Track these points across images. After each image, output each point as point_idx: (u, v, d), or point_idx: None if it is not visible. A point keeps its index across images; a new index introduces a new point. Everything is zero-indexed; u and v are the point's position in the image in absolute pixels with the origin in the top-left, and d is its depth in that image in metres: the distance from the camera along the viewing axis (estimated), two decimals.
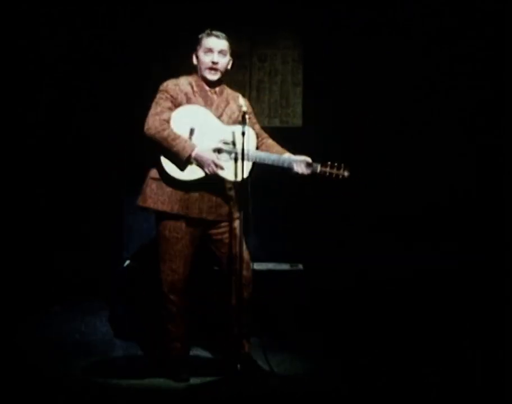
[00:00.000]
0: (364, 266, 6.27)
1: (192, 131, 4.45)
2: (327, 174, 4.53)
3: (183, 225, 4.49)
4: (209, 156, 4.40)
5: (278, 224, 5.68)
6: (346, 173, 4.55)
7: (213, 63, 4.50)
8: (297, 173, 4.51)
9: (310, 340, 5.36)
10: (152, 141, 4.39)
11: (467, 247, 6.25)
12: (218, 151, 4.47)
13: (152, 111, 4.43)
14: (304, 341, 5.34)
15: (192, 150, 4.37)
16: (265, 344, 4.69)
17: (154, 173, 4.50)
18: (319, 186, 6.17)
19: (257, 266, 5.15)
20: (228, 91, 4.65)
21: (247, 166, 4.47)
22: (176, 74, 4.67)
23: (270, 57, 6.53)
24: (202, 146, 4.42)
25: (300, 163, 4.51)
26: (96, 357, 4.98)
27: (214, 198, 4.52)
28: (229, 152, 4.47)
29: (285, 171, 4.52)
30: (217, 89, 4.59)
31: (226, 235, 4.57)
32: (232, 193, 4.60)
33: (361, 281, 6.18)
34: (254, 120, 4.72)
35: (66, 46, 6.31)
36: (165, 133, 4.37)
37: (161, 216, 4.50)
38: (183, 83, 4.53)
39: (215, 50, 4.51)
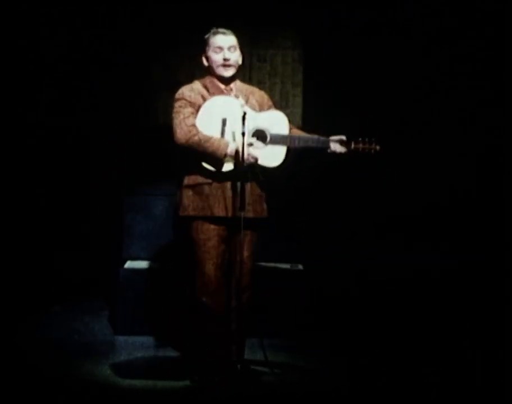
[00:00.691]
0: (364, 266, 6.28)
1: (224, 121, 4.42)
2: (360, 149, 4.61)
3: (212, 227, 4.45)
4: (245, 149, 4.35)
5: (278, 224, 5.67)
6: (377, 147, 4.64)
7: (225, 59, 4.47)
8: (334, 152, 4.58)
9: (310, 340, 5.36)
10: (186, 149, 4.36)
11: (468, 247, 6.25)
12: (253, 140, 4.45)
13: (176, 120, 4.39)
14: (303, 341, 5.34)
15: (227, 146, 4.35)
16: (265, 344, 4.69)
17: (186, 180, 4.47)
18: (320, 186, 6.22)
19: (257, 266, 5.15)
20: (243, 86, 4.62)
21: (283, 150, 4.47)
22: (176, 75, 4.67)
23: (270, 57, 6.54)
24: (236, 138, 4.39)
25: (335, 142, 4.57)
26: (96, 357, 4.98)
27: (249, 195, 4.48)
28: (263, 138, 4.46)
29: (320, 151, 4.57)
30: (232, 85, 4.56)
31: (244, 238, 4.46)
32: (264, 189, 4.58)
33: (361, 281, 6.19)
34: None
35: (66, 46, 6.31)
36: (196, 138, 4.35)
37: (190, 219, 4.46)
38: (197, 88, 4.50)
39: (224, 47, 4.47)
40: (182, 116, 4.39)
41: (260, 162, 4.44)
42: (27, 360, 4.86)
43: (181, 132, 4.35)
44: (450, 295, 6.01)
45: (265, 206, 4.59)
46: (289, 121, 4.58)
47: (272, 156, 4.46)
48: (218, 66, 4.49)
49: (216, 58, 4.48)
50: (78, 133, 6.43)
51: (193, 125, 4.39)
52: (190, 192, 4.46)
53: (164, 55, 6.44)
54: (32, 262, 6.26)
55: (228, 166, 4.40)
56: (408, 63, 6.34)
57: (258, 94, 4.60)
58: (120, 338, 5.39)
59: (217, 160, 4.37)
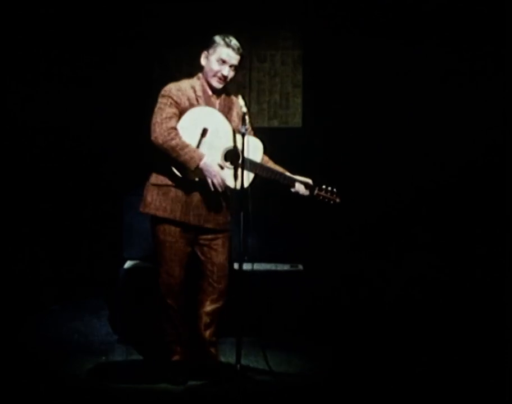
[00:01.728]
0: (364, 266, 6.28)
1: (204, 132, 4.42)
2: (321, 198, 4.64)
3: (178, 229, 4.47)
4: (216, 168, 4.38)
5: (278, 224, 5.67)
6: (338, 200, 4.67)
7: (223, 75, 4.45)
8: (297, 192, 4.60)
9: (309, 340, 5.36)
10: (160, 150, 4.36)
11: (467, 250, 6.27)
12: (225, 158, 4.46)
13: (157, 118, 4.38)
14: (303, 341, 5.34)
15: (201, 159, 4.35)
16: (264, 344, 4.69)
17: (154, 179, 4.48)
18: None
19: (257, 266, 5.16)
20: (229, 96, 4.60)
21: (249, 176, 4.48)
22: (176, 75, 4.66)
23: (270, 58, 6.54)
24: (211, 153, 4.40)
25: (300, 183, 4.59)
26: (96, 357, 4.98)
27: (213, 206, 4.50)
28: (234, 161, 4.45)
29: (284, 187, 4.60)
30: (220, 94, 4.55)
31: (215, 241, 4.55)
32: (229, 201, 4.59)
33: (361, 282, 6.19)
34: (250, 130, 4.60)
35: (65, 45, 6.31)
36: (174, 142, 4.34)
37: (157, 220, 4.49)
38: (185, 88, 4.47)
39: (228, 64, 4.44)
40: (164, 115, 4.37)
41: (227, 183, 4.43)
42: (27, 359, 4.86)
43: (160, 132, 4.34)
44: (450, 295, 6.02)
45: (228, 218, 4.60)
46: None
47: (237, 179, 4.40)
48: (213, 76, 4.46)
49: (216, 68, 4.45)
50: (78, 133, 6.43)
51: (174, 128, 4.37)
52: (155, 191, 4.47)
53: (164, 55, 6.44)
54: (32, 261, 6.26)
55: (194, 176, 4.40)
56: (408, 63, 6.34)
57: (240, 102, 4.48)
58: (120, 337, 5.39)
59: (186, 170, 4.37)
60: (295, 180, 4.59)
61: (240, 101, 4.42)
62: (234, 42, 4.45)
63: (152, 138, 4.37)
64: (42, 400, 4.28)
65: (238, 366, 4.35)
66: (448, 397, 4.38)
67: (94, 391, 4.44)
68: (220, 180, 4.39)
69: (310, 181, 4.62)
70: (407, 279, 6.22)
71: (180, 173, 4.40)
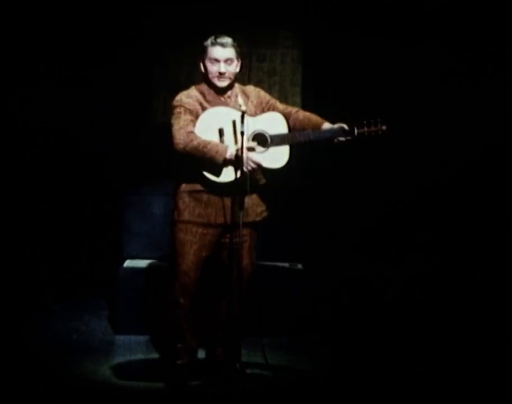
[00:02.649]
0: (363, 266, 6.28)
1: (221, 132, 4.42)
2: (366, 134, 4.60)
3: (200, 230, 4.46)
4: (244, 154, 4.35)
5: (278, 224, 5.67)
6: (383, 127, 4.62)
7: (220, 73, 4.45)
8: (340, 142, 4.57)
9: (309, 340, 5.36)
10: (185, 154, 4.34)
11: (467, 250, 6.27)
12: (254, 144, 4.44)
13: (175, 126, 4.38)
14: (303, 341, 5.34)
15: (226, 151, 4.34)
16: (264, 343, 4.69)
17: (184, 186, 4.47)
18: (320, 185, 6.21)
19: (257, 265, 5.15)
20: (240, 91, 4.58)
21: (286, 149, 4.47)
22: (176, 75, 4.65)
23: (269, 57, 6.53)
24: (236, 144, 4.39)
25: (337, 134, 4.56)
26: (96, 357, 4.98)
27: (247, 200, 4.47)
28: (264, 141, 4.45)
29: (324, 142, 4.56)
30: (229, 93, 4.54)
31: (243, 245, 4.49)
32: (262, 194, 4.58)
33: (361, 281, 6.19)
34: (273, 101, 4.65)
35: (65, 45, 6.31)
36: (195, 142, 4.33)
37: (181, 222, 4.48)
38: (195, 94, 4.48)
39: (221, 60, 4.44)
40: (181, 123, 4.37)
41: (265, 165, 4.44)
42: (26, 359, 4.86)
43: (179, 138, 4.33)
44: (447, 298, 6.02)
45: (264, 207, 4.60)
46: (293, 104, 4.52)
47: (276, 157, 4.46)
48: (213, 77, 4.47)
49: (212, 69, 4.46)
50: (79, 132, 6.43)
51: (192, 132, 4.37)
52: (187, 198, 4.46)
53: (164, 55, 6.43)
54: (32, 261, 6.26)
55: (227, 177, 4.38)
56: (408, 63, 6.34)
57: (254, 95, 4.57)
58: (120, 337, 5.39)
59: (216, 166, 4.36)
60: (332, 132, 4.55)
61: (239, 100, 4.41)
62: (220, 39, 4.46)
63: (175, 145, 4.35)
64: (42, 400, 4.28)
65: (238, 365, 4.36)
66: (448, 397, 4.38)
67: (94, 391, 4.44)
68: (253, 163, 4.37)
69: (345, 126, 4.57)
70: (407, 279, 6.22)
71: (212, 175, 4.38)
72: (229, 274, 4.50)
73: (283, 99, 6.44)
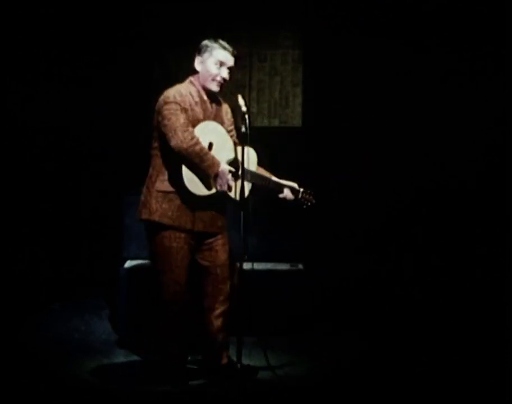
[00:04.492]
0: (364, 266, 6.28)
1: (210, 145, 4.41)
2: (303, 200, 4.71)
3: (183, 235, 4.44)
4: (228, 176, 4.38)
5: (278, 224, 5.67)
6: (313, 201, 4.75)
7: (223, 79, 4.43)
8: (284, 198, 4.65)
9: (309, 340, 5.36)
10: (182, 155, 4.30)
11: (467, 250, 6.27)
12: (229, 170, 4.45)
13: (176, 123, 4.31)
14: (303, 341, 5.34)
15: (219, 166, 4.34)
16: (265, 343, 4.69)
17: (160, 185, 4.42)
18: (320, 185, 6.21)
19: (257, 266, 5.15)
20: (218, 100, 4.58)
21: (249, 186, 4.50)
22: (176, 75, 4.64)
23: (270, 57, 6.54)
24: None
25: (288, 189, 4.64)
26: (96, 356, 4.98)
27: (214, 211, 4.49)
28: (234, 172, 4.44)
29: (272, 193, 4.64)
30: (214, 98, 4.54)
31: (215, 243, 4.54)
32: (225, 205, 4.60)
33: (361, 281, 6.19)
34: (234, 132, 4.66)
35: (66, 46, 6.31)
36: (198, 147, 4.30)
37: (160, 227, 4.42)
38: (185, 93, 4.43)
39: (226, 65, 4.43)
40: (182, 121, 4.32)
41: (231, 194, 4.43)
42: (27, 359, 4.86)
43: (183, 137, 4.28)
44: (447, 298, 6.03)
45: (225, 220, 4.60)
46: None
47: (237, 191, 4.41)
48: (212, 80, 4.43)
49: (215, 71, 4.42)
50: (79, 132, 6.43)
51: (195, 135, 4.34)
52: (160, 198, 4.42)
53: (164, 55, 6.44)
54: (32, 261, 6.27)
55: (208, 190, 4.39)
56: (408, 63, 6.34)
57: (229, 111, 4.58)
58: (120, 337, 5.39)
59: (204, 177, 4.35)
60: (283, 185, 4.64)
61: (240, 100, 4.41)
62: (229, 45, 4.46)
63: (174, 143, 4.28)
64: (42, 400, 4.27)
65: (239, 365, 4.36)
66: (448, 397, 4.38)
67: (94, 391, 4.43)
68: (226, 189, 4.39)
69: (295, 185, 4.67)
70: (407, 279, 6.22)
71: (201, 185, 4.38)
72: (208, 277, 4.53)
73: (284, 99, 6.48)
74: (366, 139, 6.38)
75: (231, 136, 4.58)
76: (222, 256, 4.55)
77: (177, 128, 4.30)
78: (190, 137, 4.29)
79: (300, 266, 5.67)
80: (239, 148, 4.39)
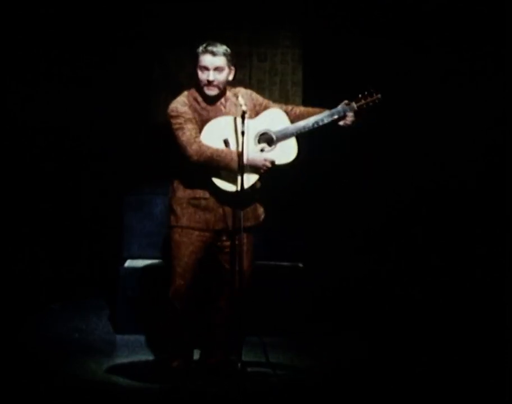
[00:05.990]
0: (364, 266, 6.28)
1: (226, 142, 4.42)
2: (364, 106, 4.63)
3: (196, 232, 4.45)
4: (259, 156, 4.40)
5: (279, 223, 5.67)
6: (379, 95, 4.66)
7: (209, 81, 4.42)
8: (345, 123, 4.62)
9: (310, 339, 5.36)
10: (200, 165, 4.35)
11: (467, 250, 6.27)
12: (262, 145, 4.45)
13: (184, 138, 4.36)
14: (303, 341, 5.34)
15: (242, 157, 4.33)
16: (265, 343, 4.69)
17: (181, 193, 4.46)
18: (320, 185, 6.22)
19: (257, 264, 5.15)
20: (232, 95, 4.56)
21: (294, 143, 4.50)
22: (176, 75, 4.64)
23: (270, 57, 6.54)
24: (247, 150, 4.39)
25: (337, 113, 4.61)
26: (96, 356, 4.98)
27: (246, 204, 4.47)
28: (270, 140, 4.46)
29: (330, 125, 4.60)
30: (222, 100, 4.52)
31: (241, 247, 4.47)
32: (259, 196, 4.58)
33: (361, 281, 6.19)
34: (267, 102, 4.65)
35: (66, 46, 6.31)
36: (209, 152, 4.34)
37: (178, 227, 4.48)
38: (189, 102, 4.46)
39: (210, 68, 4.41)
40: (188, 133, 4.37)
41: (277, 162, 4.45)
42: (27, 358, 4.86)
43: (192, 151, 4.34)
44: (447, 298, 6.02)
45: (261, 210, 4.61)
46: (290, 103, 4.49)
47: (285, 153, 4.47)
48: (203, 85, 4.45)
49: (202, 77, 4.44)
50: (79, 132, 6.43)
51: (202, 142, 4.37)
52: (184, 204, 4.46)
53: (164, 55, 6.43)
54: (32, 261, 6.26)
55: (236, 185, 4.37)
56: (408, 63, 6.34)
57: (246, 98, 4.53)
58: (121, 337, 5.40)
59: (229, 174, 4.36)
60: (331, 115, 4.60)
61: (240, 100, 4.41)
62: (210, 46, 4.43)
63: (188, 156, 4.35)
64: (42, 400, 4.28)
65: (239, 364, 4.36)
66: (448, 397, 4.38)
67: (94, 391, 4.43)
68: (269, 163, 4.41)
69: (344, 102, 4.61)
70: (407, 279, 6.22)
71: (225, 182, 4.39)
72: (230, 277, 4.50)
73: (284, 99, 6.47)
74: (367, 138, 6.37)
75: (264, 108, 4.56)
76: (245, 262, 4.50)
77: (185, 141, 4.36)
78: (197, 148, 4.34)
79: (300, 265, 5.67)
80: (262, 117, 4.45)
